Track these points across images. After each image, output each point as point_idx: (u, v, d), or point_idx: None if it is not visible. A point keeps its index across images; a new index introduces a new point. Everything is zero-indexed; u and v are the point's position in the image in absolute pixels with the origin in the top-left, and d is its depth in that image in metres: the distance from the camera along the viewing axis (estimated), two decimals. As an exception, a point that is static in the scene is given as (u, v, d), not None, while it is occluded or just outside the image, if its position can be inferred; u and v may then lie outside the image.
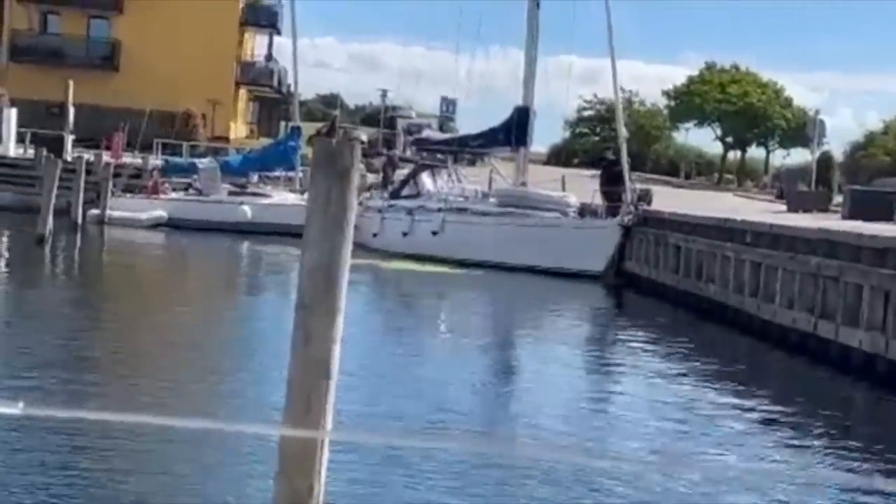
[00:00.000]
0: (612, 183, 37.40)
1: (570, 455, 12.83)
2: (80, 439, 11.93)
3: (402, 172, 43.51)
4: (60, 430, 12.00)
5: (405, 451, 11.83)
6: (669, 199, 40.35)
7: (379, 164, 46.86)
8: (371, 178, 45.85)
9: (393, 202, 41.06)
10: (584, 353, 22.61)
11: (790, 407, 17.17)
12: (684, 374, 19.60)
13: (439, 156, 43.85)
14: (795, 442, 14.87)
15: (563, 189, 40.99)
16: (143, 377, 16.07)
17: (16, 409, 4.62)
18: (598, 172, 40.66)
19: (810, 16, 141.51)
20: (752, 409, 16.78)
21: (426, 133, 47.85)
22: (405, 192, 41.83)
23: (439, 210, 38.45)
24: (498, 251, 35.71)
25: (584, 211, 37.52)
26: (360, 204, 41.19)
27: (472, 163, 43.77)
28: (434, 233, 37.89)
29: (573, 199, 38.22)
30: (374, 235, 40.01)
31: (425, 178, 41.95)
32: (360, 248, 38.39)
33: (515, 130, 40.19)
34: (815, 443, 14.89)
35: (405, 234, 38.91)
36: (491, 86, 43.00)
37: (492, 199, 39.40)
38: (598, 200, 37.75)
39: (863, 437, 15.56)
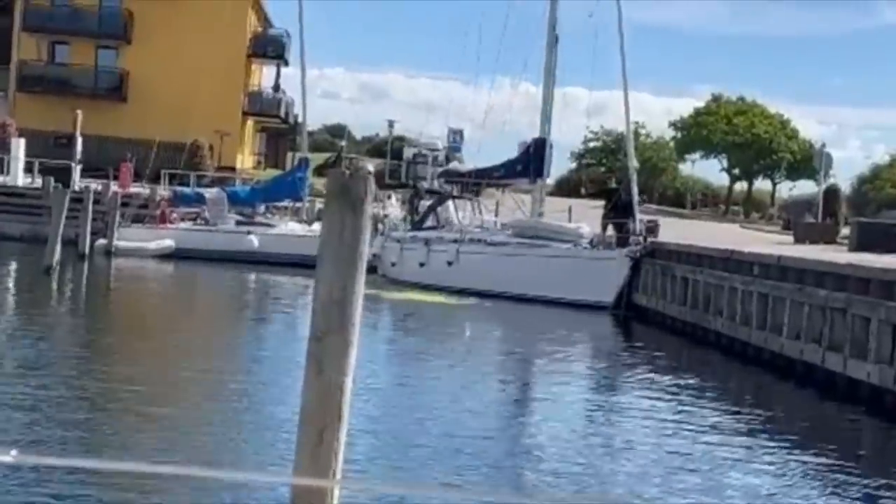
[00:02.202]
0: (621, 213, 37.47)
1: (579, 499, 12.80)
2: (77, 488, 11.50)
3: (425, 204, 43.67)
4: (56, 478, 11.56)
5: (417, 499, 11.71)
6: (675, 231, 40.35)
7: (404, 195, 47.01)
8: (376, 207, 45.98)
9: (415, 233, 41.22)
10: (593, 389, 22.54)
11: (798, 440, 17.13)
12: (691, 408, 19.54)
13: (445, 187, 44.07)
14: (803, 476, 14.82)
15: (570, 219, 41.07)
16: (146, 418, 15.81)
17: (8, 456, 4.52)
18: (603, 203, 40.72)
19: (818, 50, 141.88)
20: (758, 443, 16.74)
21: (452, 164, 48.23)
22: (428, 223, 42.02)
23: (454, 241, 38.57)
24: (509, 282, 35.82)
25: (597, 242, 37.47)
26: (382, 234, 41.69)
27: (477, 193, 43.83)
28: (449, 263, 38.03)
29: (586, 230, 38.22)
30: (393, 265, 40.28)
31: (450, 210, 42.17)
32: (382, 277, 38.90)
33: (533, 162, 40.38)
34: (823, 477, 14.83)
35: (422, 265, 39.06)
36: (499, 117, 43.06)
37: (508, 231, 39.49)
38: (606, 230, 37.83)
39: (871, 472, 15.50)
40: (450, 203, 42.60)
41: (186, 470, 5.94)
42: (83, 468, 11.15)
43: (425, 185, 46.37)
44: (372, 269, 38.62)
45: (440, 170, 48.47)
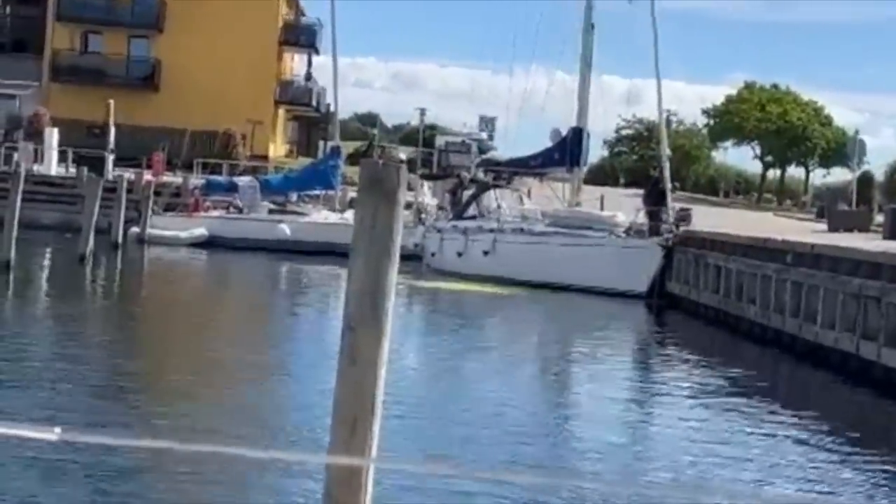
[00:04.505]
0: (657, 201, 37.33)
1: (614, 484, 12.77)
2: (118, 465, 11.76)
3: (467, 193, 43.74)
4: (97, 455, 11.80)
5: (451, 479, 11.74)
6: (708, 219, 40.21)
7: (448, 185, 46.89)
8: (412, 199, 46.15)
9: (455, 223, 41.31)
10: (627, 378, 22.51)
11: (831, 428, 17.05)
12: (726, 398, 19.48)
13: (481, 176, 44.11)
14: (836, 464, 14.76)
15: (602, 207, 41.03)
16: (183, 400, 15.98)
17: (52, 434, 4.58)
18: (643, 192, 40.58)
19: (853, 37, 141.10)
20: (792, 432, 16.67)
21: (490, 154, 48.25)
22: (469, 212, 42.12)
23: (491, 230, 38.65)
24: (544, 270, 35.81)
25: (632, 230, 37.38)
26: (423, 223, 41.88)
27: (509, 181, 43.79)
28: (486, 252, 38.11)
29: (622, 219, 38.18)
30: (433, 255, 40.42)
31: (490, 199, 42.23)
32: (426, 267, 39.14)
33: (570, 151, 40.39)
34: (857, 466, 14.77)
35: (460, 255, 39.17)
36: (532, 106, 42.92)
37: (546, 220, 39.50)
38: (639, 219, 37.71)
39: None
40: (491, 192, 42.65)
41: (223, 448, 5.95)
42: (123, 446, 11.30)
43: (468, 174, 46.40)
44: (417, 258, 39.07)
45: (479, 159, 48.55)
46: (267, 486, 11.70)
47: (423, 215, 44.40)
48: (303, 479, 11.39)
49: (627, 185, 52.84)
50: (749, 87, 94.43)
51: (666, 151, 39.00)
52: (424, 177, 53.64)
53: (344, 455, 6.03)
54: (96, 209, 35.46)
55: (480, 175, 44.73)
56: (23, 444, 11.12)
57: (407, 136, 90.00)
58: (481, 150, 57.36)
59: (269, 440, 13.55)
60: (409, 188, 45.77)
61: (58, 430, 4.54)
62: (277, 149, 72.54)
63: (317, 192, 49.39)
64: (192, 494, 11.47)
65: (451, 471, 11.92)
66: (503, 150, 50.59)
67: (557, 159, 41.11)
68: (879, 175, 73.04)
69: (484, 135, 59.10)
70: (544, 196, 42.71)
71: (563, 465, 13.92)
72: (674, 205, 37.41)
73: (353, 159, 54.43)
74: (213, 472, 11.76)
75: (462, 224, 40.66)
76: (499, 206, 41.38)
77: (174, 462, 11.70)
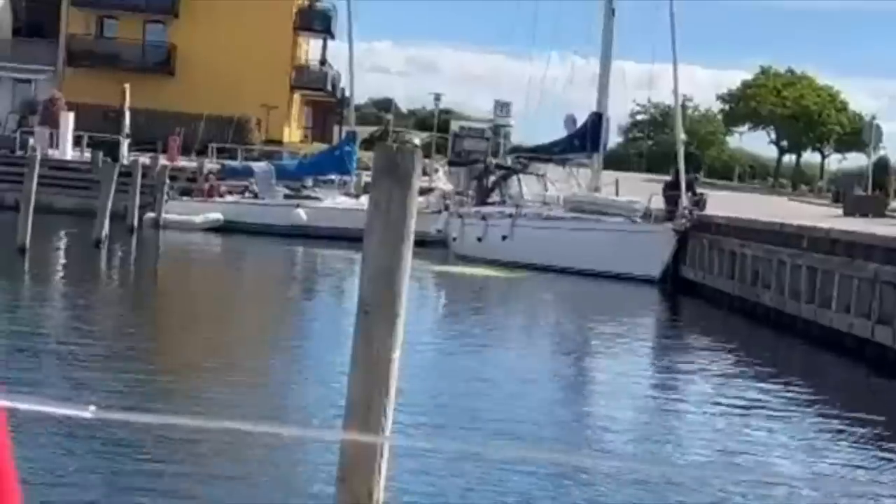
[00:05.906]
0: (677, 187, 37.34)
1: (631, 462, 12.81)
2: (145, 442, 11.94)
3: (492, 179, 43.87)
4: (128, 433, 11.95)
5: (465, 457, 11.79)
6: (723, 204, 40.16)
7: (475, 171, 46.92)
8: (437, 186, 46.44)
9: (477, 208, 41.46)
10: (642, 361, 22.53)
11: (847, 413, 17.04)
12: (740, 382, 19.49)
13: (493, 160, 44.20)
14: (851, 449, 14.76)
15: (617, 192, 41.06)
16: (202, 381, 16.07)
17: (87, 412, 4.62)
18: (668, 178, 40.57)
19: (870, 22, 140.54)
20: (808, 417, 16.69)
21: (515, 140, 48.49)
22: (492, 198, 42.26)
23: (510, 215, 38.78)
24: (560, 255, 35.90)
25: (650, 216, 37.39)
26: (447, 209, 42.10)
27: (525, 167, 43.84)
28: (504, 237, 38.26)
29: (640, 204, 38.22)
30: (454, 240, 40.63)
31: (514, 185, 42.34)
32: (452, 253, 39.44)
33: (590, 136, 40.48)
34: (871, 450, 14.77)
35: (479, 239, 39.32)
36: (550, 91, 42.96)
37: (566, 205, 39.62)
38: (654, 204, 37.72)
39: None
40: (514, 178, 42.78)
41: (241, 425, 6.00)
42: (152, 424, 11.41)
43: (492, 160, 46.45)
44: (443, 244, 39.36)
45: (511, 146, 48.72)
46: (283, 463, 11.81)
47: (447, 201, 44.57)
48: (317, 459, 11.44)
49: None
50: (765, 71, 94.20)
51: (682, 137, 38.98)
52: (450, 163, 53.75)
53: (358, 434, 6.08)
54: (111, 194, 35.48)
55: (509, 161, 44.86)
56: (52, 420, 11.27)
57: (422, 120, 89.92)
58: (505, 137, 57.43)
59: (284, 419, 13.64)
60: (424, 173, 45.84)
61: (92, 408, 4.59)
62: (292, 134, 72.54)
63: (332, 177, 49.40)
64: (208, 469, 11.61)
65: (466, 448, 11.96)
66: (520, 135, 50.71)
67: (578, 145, 41.26)
68: (895, 160, 72.91)
69: (511, 121, 59.01)
70: (564, 182, 42.79)
71: (581, 443, 13.96)
72: (695, 189, 37.42)
73: (368, 144, 54.44)
74: (229, 447, 11.89)
75: (482, 209, 40.86)
76: (521, 192, 41.49)
77: (196, 438, 11.81)
